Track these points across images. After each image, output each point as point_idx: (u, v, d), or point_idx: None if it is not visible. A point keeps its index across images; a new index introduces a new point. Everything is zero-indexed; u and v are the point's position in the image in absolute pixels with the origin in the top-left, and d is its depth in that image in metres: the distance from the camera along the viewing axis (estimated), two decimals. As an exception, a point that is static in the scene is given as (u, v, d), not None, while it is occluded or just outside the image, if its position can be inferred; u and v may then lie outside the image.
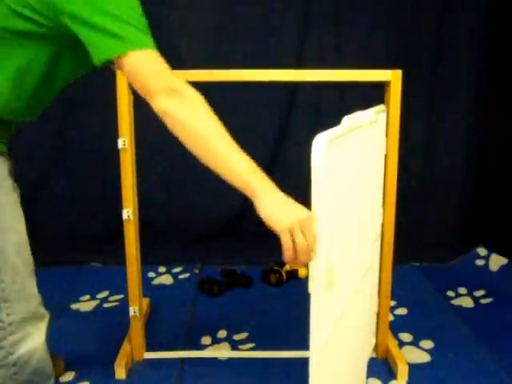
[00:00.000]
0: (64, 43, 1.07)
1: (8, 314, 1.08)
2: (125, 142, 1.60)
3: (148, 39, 1.02)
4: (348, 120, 1.19)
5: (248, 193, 0.97)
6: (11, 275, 1.08)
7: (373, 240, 1.62)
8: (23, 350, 1.10)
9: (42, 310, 1.16)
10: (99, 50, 1.00)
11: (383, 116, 1.60)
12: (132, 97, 1.61)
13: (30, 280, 1.13)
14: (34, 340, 1.12)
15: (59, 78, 1.15)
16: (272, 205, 0.95)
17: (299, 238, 0.93)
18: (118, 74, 1.55)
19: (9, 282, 1.08)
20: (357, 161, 1.32)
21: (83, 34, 1.00)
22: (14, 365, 1.10)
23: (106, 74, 1.37)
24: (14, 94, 1.09)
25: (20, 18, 1.01)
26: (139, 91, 1.03)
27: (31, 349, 1.11)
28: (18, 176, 1.19)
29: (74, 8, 0.98)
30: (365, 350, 1.68)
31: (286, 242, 0.94)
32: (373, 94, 1.64)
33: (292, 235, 0.93)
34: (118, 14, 0.98)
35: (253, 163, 0.99)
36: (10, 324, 1.08)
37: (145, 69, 1.01)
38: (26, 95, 1.11)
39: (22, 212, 1.13)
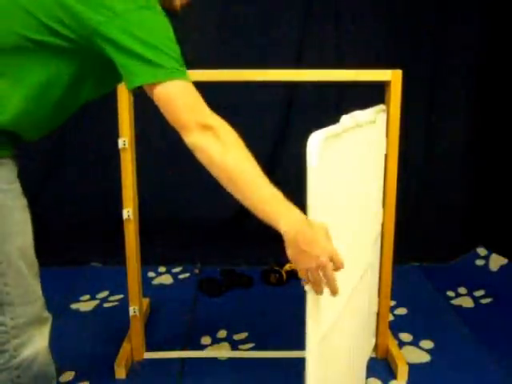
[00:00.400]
0: (90, 60, 1.05)
1: (12, 318, 1.08)
2: (125, 142, 1.61)
3: (184, 70, 1.01)
4: (346, 119, 1.19)
5: (276, 228, 0.98)
6: (16, 279, 1.08)
7: (373, 240, 1.62)
8: (26, 353, 1.10)
9: (46, 313, 1.15)
10: (134, 75, 0.99)
11: (383, 116, 1.60)
12: (132, 97, 1.61)
13: (34, 283, 1.12)
14: (37, 343, 1.12)
15: (81, 97, 1.14)
16: (293, 244, 0.96)
17: (314, 278, 0.96)
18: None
19: (13, 286, 1.08)
20: (356, 160, 1.32)
21: (118, 57, 0.99)
22: (17, 368, 1.10)
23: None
24: (31, 107, 1.07)
25: (48, 31, 1.00)
26: (170, 121, 1.01)
27: (34, 352, 1.11)
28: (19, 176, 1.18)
29: (109, 32, 0.97)
30: (365, 350, 1.68)
31: (305, 281, 0.99)
32: (373, 94, 1.64)
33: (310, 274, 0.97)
34: (154, 42, 0.97)
35: (280, 197, 0.99)
36: (13, 327, 1.08)
37: (179, 101, 1.00)
38: (45, 109, 1.09)
39: (29, 215, 1.12)
